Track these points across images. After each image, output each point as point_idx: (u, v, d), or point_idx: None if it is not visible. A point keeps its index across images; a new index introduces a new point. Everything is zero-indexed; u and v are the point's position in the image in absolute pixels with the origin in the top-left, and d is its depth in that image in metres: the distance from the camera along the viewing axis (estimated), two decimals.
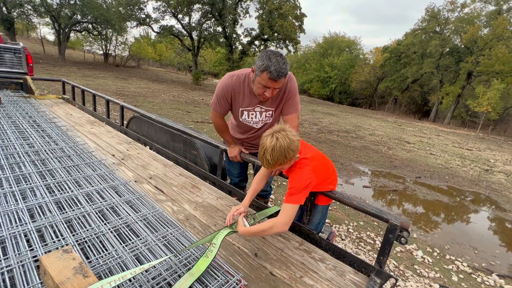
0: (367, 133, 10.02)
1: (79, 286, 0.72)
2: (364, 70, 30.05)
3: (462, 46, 23.20)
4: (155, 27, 20.48)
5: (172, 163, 2.23)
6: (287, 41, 18.82)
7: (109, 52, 25.26)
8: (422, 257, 2.59)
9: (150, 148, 2.61)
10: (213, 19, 19.06)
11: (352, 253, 2.37)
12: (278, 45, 19.40)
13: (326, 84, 31.65)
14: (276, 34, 18.28)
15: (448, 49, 23.84)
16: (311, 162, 1.24)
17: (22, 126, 2.23)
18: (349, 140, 8.19)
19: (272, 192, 2.14)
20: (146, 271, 0.92)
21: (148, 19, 19.53)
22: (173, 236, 1.15)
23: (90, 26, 21.49)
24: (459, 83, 22.61)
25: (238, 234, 1.39)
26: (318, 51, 33.79)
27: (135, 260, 0.98)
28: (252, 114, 1.58)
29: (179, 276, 0.92)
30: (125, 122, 3.22)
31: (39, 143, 1.89)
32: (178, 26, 20.22)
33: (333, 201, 1.53)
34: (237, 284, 0.96)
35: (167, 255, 1.02)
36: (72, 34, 22.82)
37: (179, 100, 10.67)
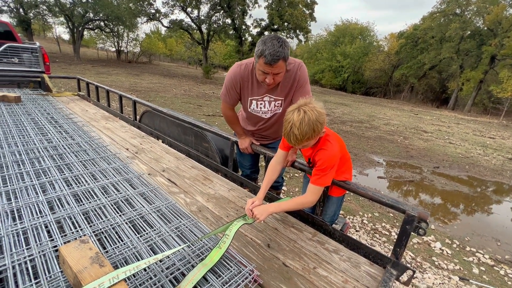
0: (381, 123, 9.74)
1: (96, 275, 0.74)
2: (378, 57, 28.98)
3: (485, 28, 21.82)
4: (165, 21, 20.58)
5: (184, 156, 2.25)
6: (297, 31, 18.39)
7: (121, 48, 25.69)
8: (440, 248, 2.52)
9: (162, 142, 2.65)
10: (222, 11, 18.87)
11: (367, 244, 2.35)
12: (288, 35, 19.01)
13: (339, 73, 30.83)
14: (286, 23, 17.89)
15: (469, 32, 22.51)
16: (334, 140, 1.20)
17: (41, 122, 2.31)
18: (363, 130, 7.99)
19: (284, 183, 2.12)
20: (160, 261, 0.94)
21: (157, 14, 19.61)
22: (186, 227, 1.17)
23: (102, 23, 21.85)
24: (481, 68, 21.39)
25: (250, 226, 1.39)
26: (330, 39, 32.84)
27: (150, 250, 1.00)
28: (261, 103, 1.55)
29: (192, 266, 0.93)
30: (138, 117, 3.27)
31: (57, 139, 1.95)
32: (188, 19, 20.20)
33: (347, 192, 1.50)
34: (250, 274, 0.96)
35: (180, 245, 1.03)
36: (85, 32, 23.33)
37: (190, 94, 10.75)
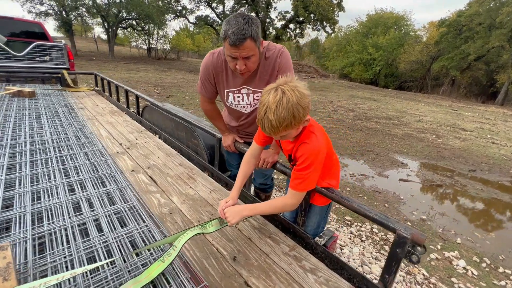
0: (412, 119, 8.93)
1: None
2: (415, 49, 26.71)
3: None
4: (191, 18, 20.98)
5: (176, 153, 2.17)
6: (324, 22, 17.57)
7: (152, 46, 26.79)
8: (464, 268, 2.15)
9: (159, 137, 2.60)
10: (247, 5, 18.68)
11: (371, 258, 2.06)
12: (314, 27, 18.26)
13: (370, 66, 29.04)
14: (312, 15, 17.17)
15: None
16: (320, 133, 0.98)
17: (42, 116, 2.37)
18: (390, 127, 7.38)
19: (274, 186, 1.94)
20: (91, 273, 0.83)
21: (184, 11, 20.02)
22: (139, 234, 1.06)
23: (134, 22, 22.93)
24: None
25: (219, 233, 1.25)
26: (361, 31, 31.00)
27: (85, 260, 0.90)
28: (239, 96, 1.38)
29: (121, 284, 0.82)
30: (141, 112, 3.28)
31: (49, 133, 1.97)
32: (213, 15, 20.37)
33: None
34: None
35: (122, 255, 0.93)
36: (119, 31, 24.68)
37: None
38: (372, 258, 2.08)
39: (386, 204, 3.13)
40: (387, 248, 2.24)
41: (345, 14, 19.00)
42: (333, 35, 22.22)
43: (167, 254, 0.91)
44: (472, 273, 2.10)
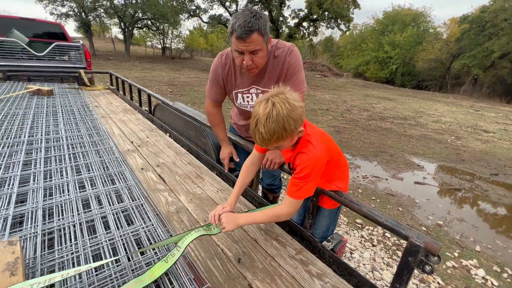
0: (430, 120, 8.60)
1: (0, 285, 0.67)
2: (435, 46, 25.69)
3: None
4: (205, 17, 21.13)
5: (185, 151, 2.18)
6: (338, 20, 17.20)
7: (166, 45, 27.27)
8: (483, 277, 2.04)
9: (169, 136, 2.63)
10: (260, 3, 18.60)
11: (382, 264, 1.98)
12: (328, 25, 17.94)
13: (386, 65, 28.22)
14: (326, 12, 16.86)
15: None
16: (317, 141, 0.97)
17: (58, 114, 2.45)
18: (406, 128, 7.14)
19: (282, 186, 1.90)
20: (96, 270, 0.84)
21: (198, 10, 20.22)
22: (145, 232, 1.06)
23: (149, 22, 23.42)
24: None
25: (225, 234, 1.24)
26: (377, 28, 30.18)
27: (91, 257, 0.91)
28: (248, 97, 1.36)
29: (124, 282, 0.82)
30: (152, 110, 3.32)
31: (63, 130, 2.03)
32: (226, 14, 20.43)
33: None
34: None
35: (126, 253, 0.93)
36: (135, 31, 25.28)
37: None
38: (384, 263, 2.00)
39: (400, 208, 3.02)
40: (399, 253, 2.16)
41: (361, 12, 18.52)
42: (347, 33, 21.72)
43: (171, 254, 0.91)
44: (492, 283, 1.98)
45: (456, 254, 2.30)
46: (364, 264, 1.98)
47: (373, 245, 2.21)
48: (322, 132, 1.05)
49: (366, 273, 1.88)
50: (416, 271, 2.14)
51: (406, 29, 27.28)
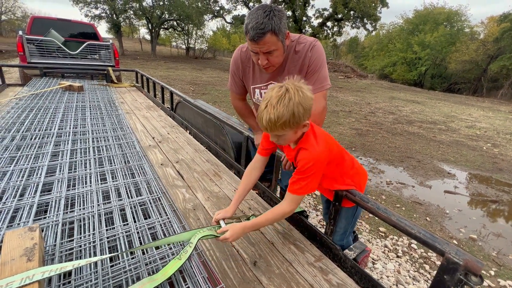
0: (463, 125, 8.02)
1: (16, 270, 0.68)
2: (470, 47, 24.00)
3: None
4: (228, 18, 21.38)
5: (204, 148, 2.18)
6: (364, 19, 16.62)
7: (190, 46, 27.97)
8: None
9: (189, 133, 2.65)
10: (284, 3, 18.48)
11: (408, 278, 1.82)
12: (354, 25, 17.38)
13: (414, 66, 26.83)
14: (352, 12, 16.35)
15: None
16: (320, 140, 0.96)
17: (87, 108, 2.56)
18: (435, 133, 6.70)
19: None
20: (111, 262, 0.84)
21: (221, 11, 20.51)
22: (161, 227, 1.05)
23: (175, 23, 24.15)
24: None
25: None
26: (406, 28, 28.79)
27: (107, 248, 0.91)
28: (266, 92, 1.32)
29: (137, 279, 0.80)
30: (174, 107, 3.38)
31: (89, 124, 2.11)
32: None
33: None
34: None
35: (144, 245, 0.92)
36: (161, 32, 26.18)
37: None
38: (410, 277, 1.86)
39: (427, 218, 2.82)
40: (427, 267, 1.99)
41: (389, 11, 17.78)
42: (374, 33, 20.95)
43: (184, 251, 0.88)
44: None
45: (492, 273, 2.09)
46: (387, 276, 1.85)
47: (398, 256, 2.07)
48: (326, 134, 1.02)
49: (390, 287, 1.76)
50: None
51: (438, 28, 25.75)
